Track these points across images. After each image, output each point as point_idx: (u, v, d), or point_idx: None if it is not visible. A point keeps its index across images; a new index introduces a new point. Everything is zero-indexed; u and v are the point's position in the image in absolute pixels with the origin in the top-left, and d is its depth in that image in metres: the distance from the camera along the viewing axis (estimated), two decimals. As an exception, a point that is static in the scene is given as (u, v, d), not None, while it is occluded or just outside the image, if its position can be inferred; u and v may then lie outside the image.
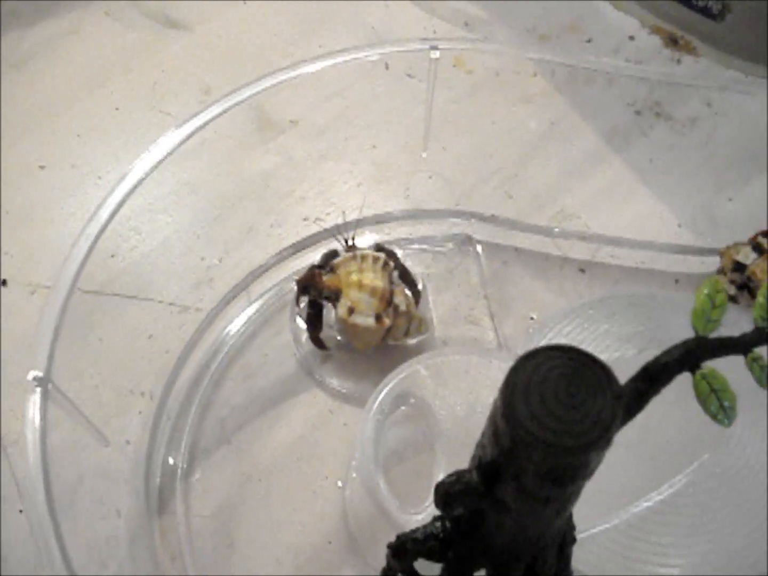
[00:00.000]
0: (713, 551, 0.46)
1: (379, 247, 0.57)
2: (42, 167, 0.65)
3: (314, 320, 0.55)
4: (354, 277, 0.54)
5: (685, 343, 0.35)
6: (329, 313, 0.56)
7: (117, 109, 0.68)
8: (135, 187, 0.51)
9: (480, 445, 0.35)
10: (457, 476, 0.35)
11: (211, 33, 0.73)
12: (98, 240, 0.45)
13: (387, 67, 0.60)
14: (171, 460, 0.52)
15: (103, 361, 0.55)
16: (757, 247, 0.59)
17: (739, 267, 0.58)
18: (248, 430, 0.54)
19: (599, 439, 0.30)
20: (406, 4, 0.75)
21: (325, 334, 0.56)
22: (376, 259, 0.55)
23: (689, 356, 0.35)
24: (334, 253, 0.57)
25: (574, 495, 0.34)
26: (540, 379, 0.31)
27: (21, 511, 0.50)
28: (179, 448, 0.53)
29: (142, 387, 0.54)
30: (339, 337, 0.57)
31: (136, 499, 0.50)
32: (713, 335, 0.35)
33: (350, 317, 0.53)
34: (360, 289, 0.53)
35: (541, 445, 0.30)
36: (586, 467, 0.32)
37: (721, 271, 0.60)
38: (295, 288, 0.55)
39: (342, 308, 0.54)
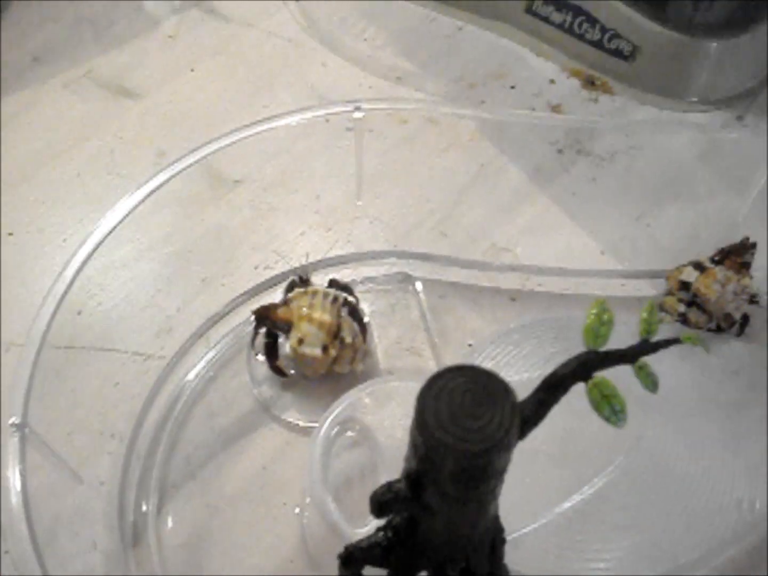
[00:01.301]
0: (635, 545, 0.51)
1: (334, 282, 0.63)
2: (10, 234, 0.69)
3: (271, 349, 0.61)
4: (305, 311, 0.59)
5: (579, 357, 0.40)
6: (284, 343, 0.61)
7: (78, 175, 0.73)
8: (96, 247, 0.56)
9: (406, 458, 0.40)
10: (388, 486, 0.40)
11: (163, 100, 0.79)
12: (64, 298, 0.50)
13: (327, 121, 0.66)
14: (142, 496, 0.57)
15: (75, 409, 0.59)
16: (698, 266, 0.65)
17: (685, 286, 0.64)
18: (212, 465, 0.58)
19: (499, 443, 0.35)
20: (343, 63, 0.81)
21: (281, 362, 0.61)
22: (326, 295, 0.60)
23: (582, 368, 0.40)
24: (292, 285, 0.62)
25: (491, 495, 0.39)
26: (447, 394, 0.36)
27: (7, 552, 0.54)
28: (149, 485, 0.57)
29: (112, 430, 0.58)
30: (292, 370, 0.62)
31: (111, 534, 0.54)
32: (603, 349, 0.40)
33: (300, 347, 0.58)
34: (309, 322, 0.59)
35: (450, 451, 0.35)
36: (494, 469, 0.37)
37: (669, 292, 0.65)
38: (253, 318, 0.60)
39: (293, 339, 0.59)
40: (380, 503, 0.40)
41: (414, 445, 0.37)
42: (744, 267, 0.63)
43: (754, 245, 0.64)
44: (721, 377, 0.60)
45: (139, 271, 0.67)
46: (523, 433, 0.38)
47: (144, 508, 0.56)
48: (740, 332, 0.64)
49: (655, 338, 0.41)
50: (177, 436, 0.59)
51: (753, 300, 0.63)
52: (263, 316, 0.60)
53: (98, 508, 0.55)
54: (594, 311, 0.41)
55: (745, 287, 0.63)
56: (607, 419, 0.40)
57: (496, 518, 0.44)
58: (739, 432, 0.57)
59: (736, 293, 0.62)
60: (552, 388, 0.40)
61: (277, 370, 0.61)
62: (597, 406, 0.39)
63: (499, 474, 0.38)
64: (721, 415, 0.58)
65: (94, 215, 0.70)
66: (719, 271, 0.63)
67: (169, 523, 0.56)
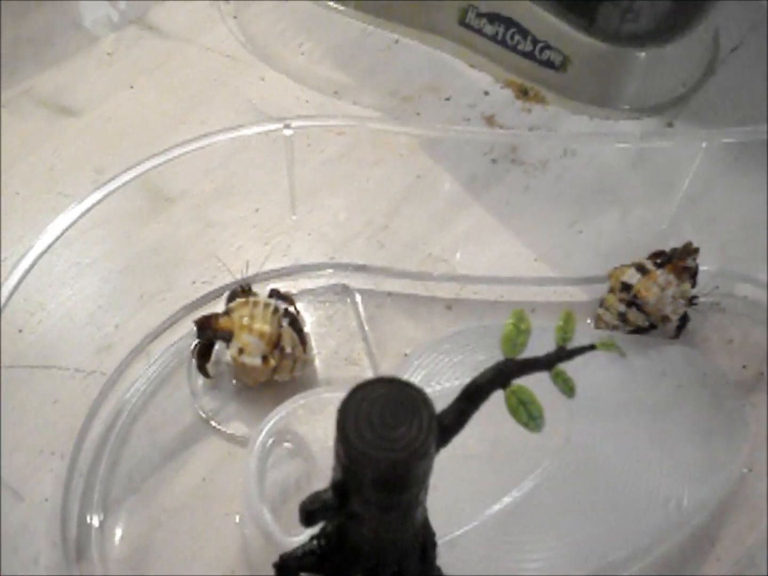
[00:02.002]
0: (566, 545, 0.53)
1: (274, 292, 0.64)
2: (-53, 254, 0.70)
3: (203, 351, 0.62)
4: (245, 321, 0.60)
5: (496, 365, 0.42)
6: (225, 352, 0.62)
7: (17, 193, 0.73)
8: (33, 265, 0.57)
9: (332, 468, 0.41)
10: (316, 496, 0.41)
11: (102, 117, 0.79)
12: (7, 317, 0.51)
13: (266, 135, 0.67)
14: (85, 512, 0.57)
15: (15, 427, 0.59)
16: (640, 268, 0.66)
17: (626, 287, 0.66)
18: (154, 479, 0.59)
19: (417, 452, 0.37)
20: (280, 77, 0.82)
21: (220, 369, 0.63)
22: (266, 305, 0.61)
23: (500, 376, 0.41)
24: (234, 293, 0.63)
25: (413, 501, 0.41)
26: (367, 405, 0.37)
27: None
28: (92, 501, 0.58)
29: (52, 448, 0.59)
30: (234, 380, 0.63)
31: (54, 550, 0.55)
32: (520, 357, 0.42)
33: (240, 357, 0.60)
34: (250, 332, 0.60)
35: (369, 461, 0.36)
36: (414, 476, 0.38)
37: (610, 290, 0.67)
38: (194, 328, 0.61)
39: (233, 349, 0.60)
40: (308, 512, 0.41)
41: (337, 456, 0.38)
42: (685, 271, 0.65)
43: (696, 250, 0.66)
44: (648, 378, 0.62)
45: (78, 288, 0.68)
46: (444, 441, 0.40)
47: (87, 523, 0.57)
48: (677, 334, 0.66)
49: (573, 344, 0.43)
50: (119, 451, 0.60)
51: (692, 303, 0.65)
52: (204, 325, 0.61)
53: (40, 525, 0.56)
54: (512, 320, 0.42)
55: (684, 291, 0.65)
56: (525, 425, 0.41)
57: (426, 522, 0.45)
58: (665, 431, 0.59)
59: (675, 297, 0.64)
60: (471, 397, 0.41)
61: (203, 371, 0.62)
62: (514, 413, 0.41)
63: (420, 481, 0.39)
64: (648, 416, 0.60)
65: (33, 234, 0.70)
66: (660, 275, 0.65)
67: (113, 538, 0.57)
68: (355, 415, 0.37)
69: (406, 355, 0.64)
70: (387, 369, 0.64)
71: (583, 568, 0.53)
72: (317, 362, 0.64)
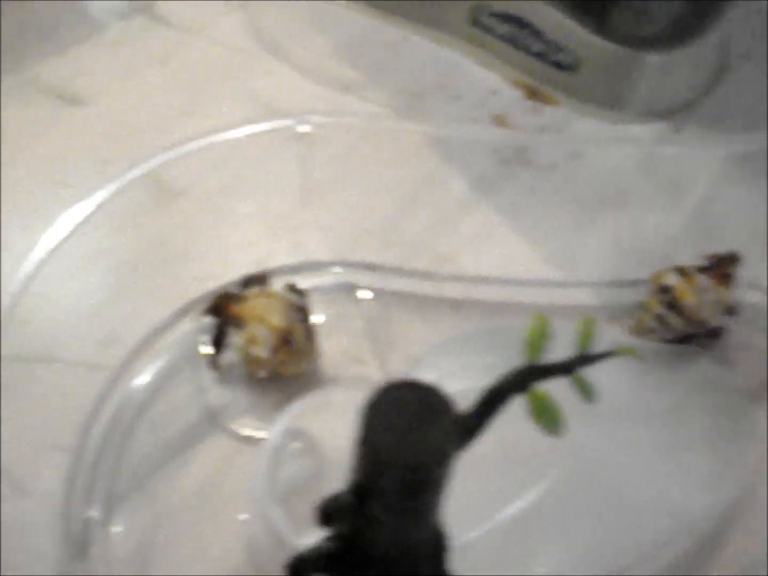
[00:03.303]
0: (574, 550, 0.53)
1: (291, 287, 0.63)
2: (-53, 243, 0.69)
3: (218, 343, 0.61)
4: (258, 312, 0.59)
5: (517, 370, 0.41)
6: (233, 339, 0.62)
7: (21, 183, 0.73)
8: (44, 259, 0.56)
9: (351, 469, 0.40)
10: (334, 497, 0.41)
11: (108, 107, 0.78)
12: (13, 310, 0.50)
13: (276, 130, 0.66)
14: (88, 508, 0.57)
15: (22, 421, 0.59)
16: (681, 271, 0.66)
17: (665, 289, 0.65)
18: (159, 476, 0.58)
19: (441, 456, 0.36)
20: (289, 72, 0.82)
21: (226, 356, 0.62)
22: (282, 299, 0.61)
23: (521, 381, 0.41)
24: (249, 281, 0.63)
25: (434, 505, 0.40)
26: (390, 408, 0.37)
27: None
28: (96, 497, 0.57)
29: (58, 442, 0.58)
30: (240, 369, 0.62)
31: (57, 546, 0.54)
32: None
33: (249, 347, 0.59)
34: (262, 323, 0.59)
35: (393, 465, 0.36)
36: (436, 480, 0.38)
37: (652, 293, 0.66)
38: (204, 317, 0.61)
39: (242, 338, 0.60)
40: (326, 514, 0.41)
41: (358, 457, 0.38)
42: (726, 278, 0.65)
43: (738, 258, 0.66)
44: (656, 384, 0.62)
45: (84, 280, 0.67)
46: (464, 446, 0.39)
47: (90, 519, 0.56)
48: (708, 343, 0.66)
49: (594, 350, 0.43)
50: (123, 447, 0.59)
51: (730, 311, 0.65)
52: (218, 309, 0.61)
53: (43, 520, 0.55)
54: (534, 325, 0.42)
55: (723, 298, 0.64)
56: (546, 430, 0.41)
57: (440, 526, 0.45)
58: (674, 438, 0.59)
59: (713, 302, 0.64)
60: (492, 401, 0.41)
61: (215, 365, 0.62)
62: (535, 417, 0.41)
63: (441, 485, 0.39)
64: (656, 422, 0.59)
65: (37, 224, 0.70)
66: (701, 279, 0.64)
67: (116, 535, 0.56)
68: (378, 417, 0.37)
69: (413, 354, 0.64)
70: (394, 368, 0.63)
71: (592, 572, 0.52)
72: (324, 359, 0.64)
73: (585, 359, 0.42)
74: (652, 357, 0.64)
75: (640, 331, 0.66)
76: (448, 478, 0.39)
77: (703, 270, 0.66)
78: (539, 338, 0.42)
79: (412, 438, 0.36)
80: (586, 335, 0.43)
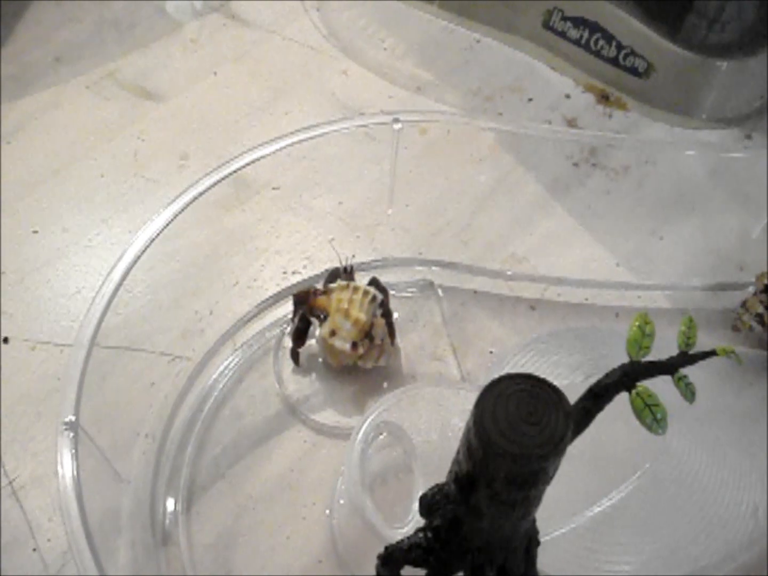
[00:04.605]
0: (659, 548, 0.53)
1: (374, 282, 0.64)
2: (35, 232, 0.70)
3: (300, 335, 0.62)
4: (343, 305, 0.61)
5: (622, 367, 0.42)
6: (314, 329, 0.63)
7: (102, 176, 0.74)
8: (141, 254, 0.57)
9: (456, 462, 0.41)
10: (438, 488, 0.42)
11: (185, 102, 0.80)
12: (113, 299, 0.51)
13: (360, 128, 0.67)
14: (172, 496, 0.58)
15: (117, 408, 0.60)
16: None
17: (767, 289, 0.66)
18: (240, 465, 0.59)
19: (555, 448, 0.37)
20: (363, 72, 0.83)
21: (306, 348, 0.63)
22: (366, 293, 0.61)
23: (626, 378, 0.41)
24: (335, 274, 0.64)
25: (537, 498, 0.41)
26: (504, 401, 0.37)
27: (34, 550, 0.55)
28: (179, 485, 0.58)
29: (146, 430, 0.59)
30: (319, 358, 0.64)
31: (143, 532, 0.55)
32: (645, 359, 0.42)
33: (330, 338, 0.60)
34: (346, 317, 0.60)
35: (508, 455, 0.36)
36: (546, 473, 0.38)
37: (755, 293, 0.67)
38: (293, 301, 0.62)
39: (325, 329, 0.61)
40: (430, 504, 0.42)
41: (469, 449, 0.38)
42: None
43: None
44: (735, 387, 0.62)
45: (165, 273, 0.68)
46: (572, 439, 0.40)
47: (173, 507, 0.57)
48: None
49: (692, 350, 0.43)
50: (205, 436, 0.60)
51: None
52: (302, 300, 0.62)
53: (131, 506, 0.56)
54: (637, 323, 0.42)
55: None
56: (649, 427, 0.41)
57: (534, 521, 0.45)
58: (752, 440, 0.59)
59: None
60: (597, 397, 0.41)
61: (295, 356, 0.63)
62: (640, 414, 0.41)
63: (549, 478, 0.39)
64: (736, 424, 0.60)
65: (117, 216, 0.71)
66: None
67: (199, 523, 0.57)
68: (492, 410, 0.37)
69: (491, 352, 0.64)
70: (471, 366, 0.64)
71: (675, 571, 0.53)
72: (402, 356, 0.64)
73: (687, 358, 0.43)
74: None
75: (738, 327, 0.67)
76: (554, 471, 0.39)
77: None
78: (642, 336, 0.42)
79: (526, 430, 0.37)
80: (689, 335, 0.43)
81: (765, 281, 0.66)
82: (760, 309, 0.65)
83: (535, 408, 0.37)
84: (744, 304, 0.67)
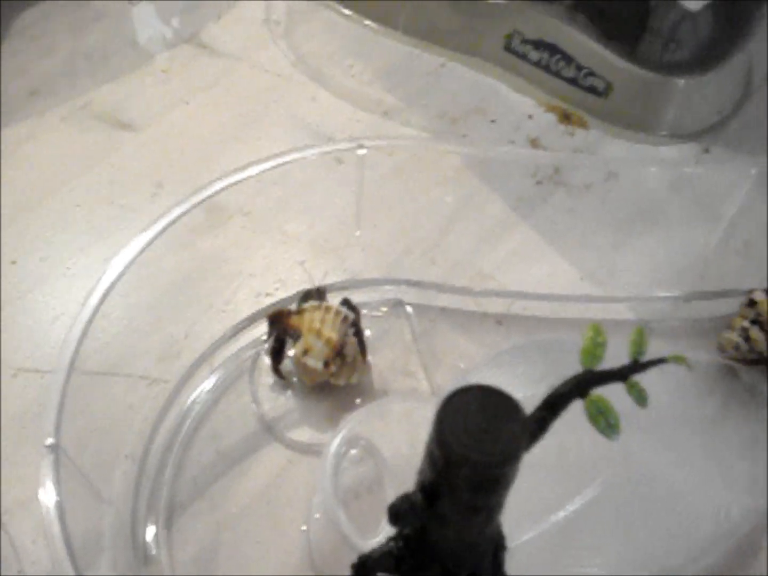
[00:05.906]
0: (626, 550, 0.55)
1: (346, 302, 0.66)
2: (13, 262, 0.71)
3: (276, 353, 0.65)
4: (315, 325, 0.63)
5: (576, 376, 0.44)
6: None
7: (79, 205, 0.76)
8: (117, 279, 0.59)
9: (420, 471, 0.43)
10: (404, 497, 0.44)
11: (159, 132, 0.82)
12: (90, 325, 0.53)
13: (329, 155, 0.69)
14: (152, 515, 0.59)
15: (94, 431, 0.61)
16: None
17: (752, 303, 0.67)
18: (219, 484, 0.61)
19: (513, 454, 0.39)
20: (331, 98, 0.85)
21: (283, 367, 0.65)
22: (337, 313, 0.63)
23: (580, 386, 0.44)
24: (308, 295, 0.66)
25: (499, 504, 0.43)
26: (463, 411, 0.39)
27: (19, 572, 0.56)
28: (160, 504, 0.59)
29: (126, 451, 0.61)
30: (294, 377, 0.66)
31: (125, 551, 0.57)
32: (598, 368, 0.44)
33: (303, 357, 0.62)
34: (318, 336, 0.62)
35: (468, 463, 0.38)
36: (505, 478, 0.40)
37: (739, 310, 0.68)
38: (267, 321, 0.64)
39: (298, 348, 0.63)
40: (397, 513, 0.43)
41: (431, 458, 0.41)
42: None
43: None
44: (695, 395, 0.64)
45: (140, 298, 0.69)
46: (529, 446, 0.42)
47: (155, 526, 0.58)
48: None
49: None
50: (184, 456, 0.62)
51: None
52: (276, 320, 0.64)
53: (115, 526, 0.58)
54: (590, 334, 0.45)
55: None
56: (603, 432, 0.43)
57: (499, 526, 0.47)
58: (715, 445, 0.61)
59: None
60: (552, 406, 0.43)
61: (278, 373, 0.65)
62: (594, 420, 0.43)
63: (509, 484, 0.41)
64: (698, 429, 0.62)
65: (94, 244, 0.73)
66: None
67: (179, 541, 0.58)
68: (452, 420, 0.39)
69: (461, 367, 0.66)
70: (442, 381, 0.66)
71: (639, 572, 0.55)
72: (374, 373, 0.66)
73: (638, 366, 0.45)
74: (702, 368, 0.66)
75: (723, 345, 0.67)
76: (513, 478, 0.41)
77: None
78: (595, 346, 0.45)
79: (484, 438, 0.39)
80: (640, 344, 0.45)
81: (750, 296, 0.67)
82: (746, 323, 0.66)
83: (492, 417, 0.39)
84: (730, 324, 0.68)
